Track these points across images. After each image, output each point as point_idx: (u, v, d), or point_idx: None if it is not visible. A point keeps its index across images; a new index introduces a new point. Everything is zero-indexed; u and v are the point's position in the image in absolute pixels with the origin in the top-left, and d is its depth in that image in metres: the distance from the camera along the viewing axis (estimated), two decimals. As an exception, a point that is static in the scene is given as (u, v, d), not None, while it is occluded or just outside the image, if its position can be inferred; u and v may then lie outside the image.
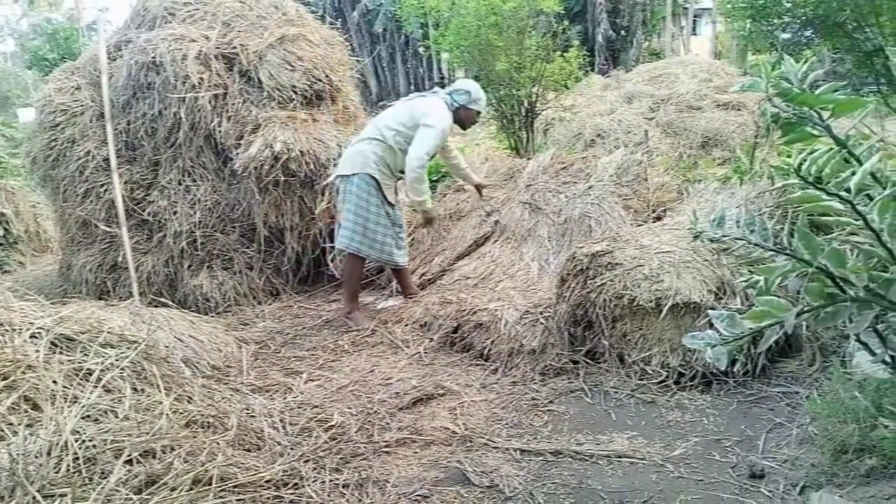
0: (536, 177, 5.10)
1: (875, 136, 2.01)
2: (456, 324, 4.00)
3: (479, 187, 5.11)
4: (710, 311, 1.86)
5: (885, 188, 1.69)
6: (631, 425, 2.97)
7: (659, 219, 4.62)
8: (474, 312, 3.95)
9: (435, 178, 6.80)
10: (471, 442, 2.87)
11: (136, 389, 2.65)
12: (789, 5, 7.23)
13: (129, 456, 2.19)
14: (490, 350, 3.73)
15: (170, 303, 4.71)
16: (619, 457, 2.69)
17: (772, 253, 1.75)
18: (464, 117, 4.49)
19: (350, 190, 4.35)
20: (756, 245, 1.75)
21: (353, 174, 4.34)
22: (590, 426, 2.99)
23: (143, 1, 5.78)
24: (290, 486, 2.46)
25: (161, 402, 2.59)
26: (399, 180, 4.54)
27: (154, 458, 2.24)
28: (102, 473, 2.11)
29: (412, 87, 24.41)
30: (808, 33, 7.76)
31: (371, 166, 4.32)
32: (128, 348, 2.80)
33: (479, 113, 4.58)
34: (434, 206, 4.68)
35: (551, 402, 3.24)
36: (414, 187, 4.34)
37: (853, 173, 1.64)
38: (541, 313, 3.77)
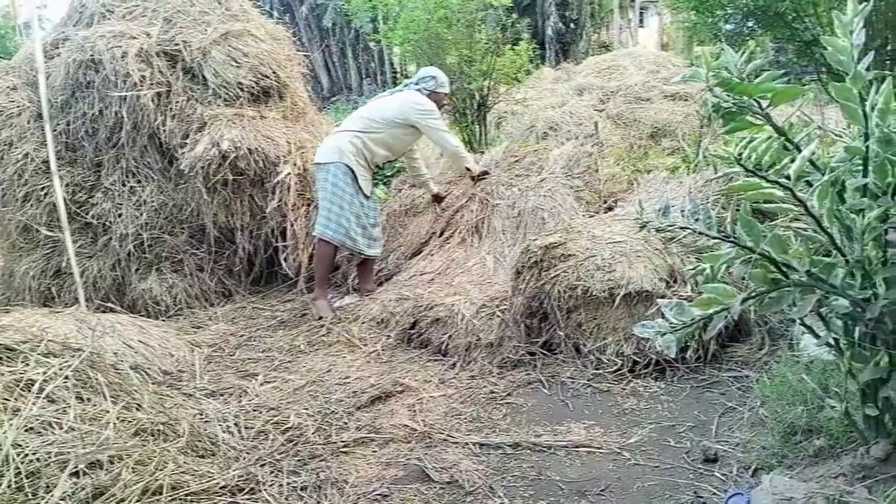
0: (491, 169, 5.10)
1: (813, 123, 2.06)
2: (413, 320, 3.98)
3: (437, 197, 5.13)
4: (659, 300, 1.89)
5: (823, 174, 1.74)
6: (588, 415, 3.00)
7: (610, 209, 4.68)
8: (431, 308, 3.94)
9: (389, 174, 6.77)
10: (430, 438, 2.86)
11: (81, 399, 2.56)
12: (731, -4, 7.38)
13: (74, 468, 2.11)
14: (448, 345, 3.73)
15: (118, 308, 4.59)
16: (577, 447, 2.71)
17: (717, 241, 1.78)
18: (434, 101, 4.64)
19: (326, 178, 4.42)
20: (701, 233, 1.77)
21: (330, 162, 4.41)
22: (548, 417, 3.01)
23: (81, -3, 5.58)
24: (245, 491, 2.42)
25: (108, 412, 2.51)
26: (376, 173, 4.77)
27: (101, 469, 2.17)
28: (47, 487, 2.03)
29: (364, 82, 24.23)
30: (750, 24, 7.91)
31: (348, 156, 4.40)
32: (72, 356, 2.70)
33: (447, 95, 4.88)
34: (476, 165, 4.99)
35: (509, 394, 3.26)
36: (462, 157, 4.82)
37: (792, 160, 1.68)
38: (497, 306, 3.77)
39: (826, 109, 6.60)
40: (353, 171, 4.41)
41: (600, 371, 3.32)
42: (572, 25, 23.79)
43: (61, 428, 2.30)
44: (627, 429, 2.83)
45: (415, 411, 3.10)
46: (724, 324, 1.85)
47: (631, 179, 5.25)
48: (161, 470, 2.24)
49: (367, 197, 4.54)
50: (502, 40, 7.80)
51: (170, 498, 2.14)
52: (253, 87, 5.12)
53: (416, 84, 4.68)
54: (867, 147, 1.70)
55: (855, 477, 1.98)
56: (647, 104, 9.52)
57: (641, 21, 27.09)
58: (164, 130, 5.02)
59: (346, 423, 3.03)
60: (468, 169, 4.91)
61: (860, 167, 1.73)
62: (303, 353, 3.99)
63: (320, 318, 4.38)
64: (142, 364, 3.62)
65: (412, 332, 3.95)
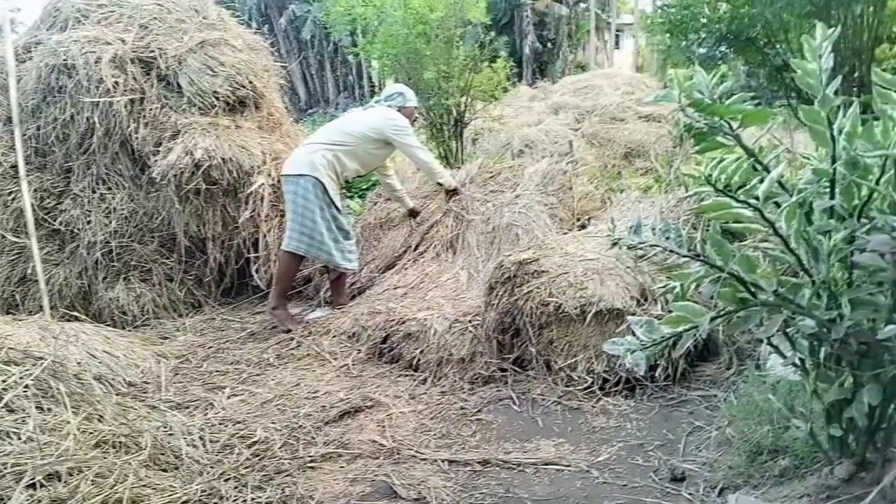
0: (465, 186, 5.11)
1: (782, 146, 2.10)
2: (385, 334, 3.95)
3: (412, 212, 5.11)
4: (629, 318, 1.89)
5: (791, 196, 1.76)
6: (558, 432, 2.99)
7: (583, 227, 4.71)
8: (403, 322, 3.91)
9: (365, 187, 6.75)
10: (398, 454, 2.82)
11: (41, 409, 2.50)
12: (704, 21, 7.53)
13: (31, 479, 2.06)
14: (419, 360, 3.71)
15: (83, 317, 4.49)
16: (546, 464, 2.70)
17: (687, 259, 1.79)
18: (407, 116, 4.65)
19: (296, 191, 4.34)
20: (671, 251, 1.79)
21: (300, 175, 4.34)
22: (517, 434, 3.00)
23: (55, 1, 5.51)
24: (208, 506, 2.37)
25: (68, 422, 2.45)
26: (343, 188, 4.71)
27: (59, 481, 2.11)
28: (1, 500, 1.97)
29: (341, 95, 24.23)
30: (722, 48, 8.09)
31: (319, 170, 4.34)
32: (33, 365, 2.64)
33: (416, 108, 4.87)
34: (451, 179, 4.97)
35: (480, 411, 3.24)
36: (436, 172, 4.81)
37: (761, 181, 1.70)
38: (470, 322, 3.76)
39: (795, 134, 6.74)
40: (323, 185, 4.35)
41: (571, 388, 3.32)
42: (549, 45, 24.16)
43: (19, 438, 2.24)
44: (596, 447, 2.82)
45: (384, 427, 3.07)
46: (693, 342, 1.86)
47: (604, 198, 5.30)
48: (121, 483, 2.18)
49: (338, 209, 4.50)
50: (480, 57, 7.88)
51: (129, 512, 2.09)
52: (229, 97, 5.09)
53: (385, 101, 4.68)
54: (834, 170, 1.73)
55: (819, 497, 1.99)
56: (621, 124, 9.66)
57: (617, 43, 27.54)
58: (137, 137, 4.96)
59: (313, 438, 2.98)
60: (441, 184, 4.92)
61: (827, 189, 1.76)
62: (272, 367, 3.93)
63: (288, 331, 4.32)
64: (105, 374, 3.55)
65: (383, 346, 3.92)
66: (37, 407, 2.45)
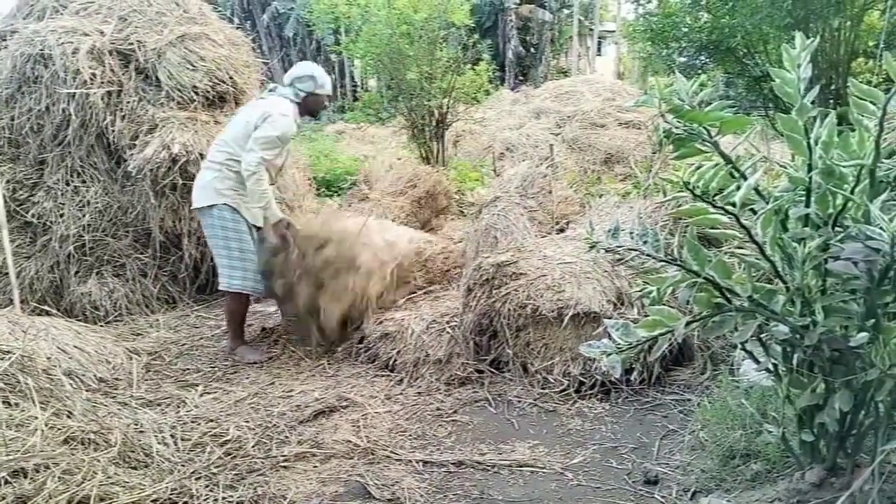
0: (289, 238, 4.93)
1: (759, 154, 2.13)
2: (361, 334, 3.93)
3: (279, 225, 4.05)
4: (605, 321, 1.90)
5: (768, 203, 1.78)
6: (533, 434, 2.99)
7: (562, 231, 4.72)
8: (380, 322, 3.90)
9: (346, 186, 6.73)
10: (373, 455, 2.81)
11: (8, 404, 2.45)
12: (686, 30, 7.62)
13: (-5, 477, 2.01)
14: (395, 360, 3.69)
15: (54, 311, 4.43)
16: (521, 466, 2.70)
17: (663, 264, 1.80)
18: (312, 104, 4.06)
19: (213, 224, 3.92)
20: (648, 255, 1.80)
21: (211, 206, 3.89)
22: (493, 436, 2.99)
23: (32, -11, 5.42)
24: (178, 505, 2.34)
25: (36, 418, 2.40)
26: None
27: (25, 478, 2.07)
28: (-37, 497, 1.93)
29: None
30: (703, 58, 8.20)
31: (224, 194, 3.87)
32: (0, 359, 2.58)
33: (329, 97, 4.18)
34: (280, 214, 3.97)
35: (455, 412, 3.23)
36: (251, 189, 3.78)
37: (738, 188, 1.72)
38: (447, 323, 3.75)
39: (772, 143, 6.83)
40: (234, 209, 3.90)
41: (547, 391, 3.32)
42: (532, 50, 24.27)
43: (-16, 434, 2.19)
44: (571, 449, 2.83)
45: (359, 427, 3.05)
46: (669, 346, 1.87)
47: (583, 202, 5.32)
48: (89, 480, 2.15)
49: (258, 228, 4.04)
50: (463, 60, 7.89)
51: (96, 510, 2.05)
52: (208, 92, 5.03)
53: (292, 85, 4.00)
54: (810, 178, 1.75)
55: (790, 501, 2.01)
56: (601, 130, 9.72)
57: (599, 50, 27.76)
58: (113, 130, 4.89)
59: (287, 438, 2.96)
60: (263, 209, 3.93)
61: (803, 197, 1.78)
62: (246, 365, 3.89)
63: (254, 362, 3.92)
64: (76, 370, 3.49)
65: (360, 346, 3.90)
66: (3, 402, 2.41)
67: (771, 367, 2.00)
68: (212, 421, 3.10)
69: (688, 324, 1.79)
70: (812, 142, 1.75)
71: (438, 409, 3.25)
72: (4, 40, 5.19)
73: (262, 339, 4.28)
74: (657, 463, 2.66)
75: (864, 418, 1.92)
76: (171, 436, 2.88)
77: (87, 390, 3.32)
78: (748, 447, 2.41)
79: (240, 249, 3.94)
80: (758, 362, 2.02)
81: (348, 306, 3.68)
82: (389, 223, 4.44)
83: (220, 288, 4.04)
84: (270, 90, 4.08)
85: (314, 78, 4.00)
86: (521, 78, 22.94)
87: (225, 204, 3.88)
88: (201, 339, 4.36)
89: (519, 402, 3.29)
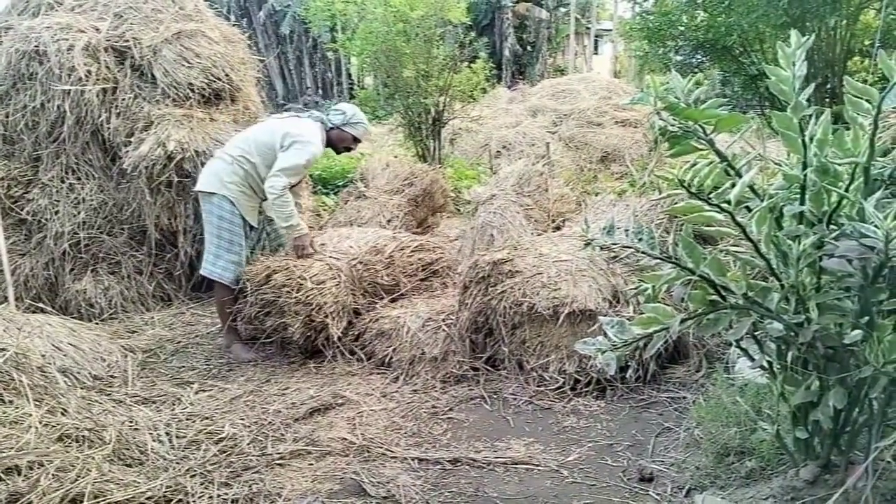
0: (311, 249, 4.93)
1: (754, 151, 2.13)
2: (357, 331, 3.93)
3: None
4: (600, 318, 1.90)
5: (762, 200, 1.78)
6: (528, 432, 3.00)
7: (558, 229, 4.73)
8: (376, 320, 3.90)
9: (341, 184, 6.72)
10: (368, 452, 2.81)
11: (2, 401, 2.45)
12: (682, 29, 7.63)
13: (-11, 474, 2.01)
14: (391, 358, 3.69)
15: (49, 309, 4.42)
16: (516, 464, 2.70)
17: (658, 261, 1.80)
18: (336, 139, 4.15)
19: (210, 210, 3.98)
20: (643, 253, 1.80)
21: (213, 193, 3.95)
22: (488, 433, 2.99)
23: (27, -14, 5.40)
24: (173, 502, 2.33)
25: (30, 415, 2.40)
26: (264, 201, 4.10)
27: (18, 475, 2.07)
28: (-43, 495, 1.92)
29: (320, 90, 24.11)
30: (699, 56, 8.21)
31: (228, 187, 3.93)
32: (-6, 357, 2.57)
33: (355, 139, 4.21)
34: (306, 229, 4.01)
35: (451, 409, 3.23)
36: (276, 210, 3.88)
37: (733, 185, 1.72)
38: (443, 320, 3.76)
39: (768, 142, 6.85)
40: (234, 204, 3.96)
41: (542, 388, 3.33)
42: (529, 48, 24.28)
43: (-23, 431, 2.19)
44: (566, 447, 2.83)
45: (354, 424, 3.05)
46: (664, 344, 1.88)
47: (579, 200, 5.33)
48: (83, 478, 2.14)
49: (253, 228, 4.12)
50: (460, 57, 7.87)
51: (90, 507, 2.04)
52: (204, 89, 5.01)
53: (326, 114, 4.17)
54: (805, 176, 1.75)
55: (784, 498, 2.02)
56: (598, 129, 9.71)
57: (596, 48, 27.76)
58: (109, 128, 4.88)
59: (282, 435, 2.96)
60: (289, 229, 3.98)
61: (798, 195, 1.78)
62: (242, 363, 3.89)
63: (250, 361, 3.92)
64: (71, 367, 3.49)
65: (356, 343, 3.90)
66: (-3, 399, 2.40)
67: (765, 364, 2.00)
68: (207, 418, 3.10)
69: (683, 321, 1.79)
70: (807, 139, 1.75)
71: (434, 406, 3.25)
72: (-1, 37, 5.17)
73: (257, 338, 4.27)
74: (652, 460, 2.67)
75: (858, 415, 1.92)
76: (166, 433, 2.88)
77: (81, 388, 3.31)
78: (743, 444, 2.42)
79: (229, 241, 4.00)
80: (752, 360, 2.03)
81: (306, 318, 3.70)
82: (356, 230, 4.46)
83: (201, 272, 4.14)
84: (309, 113, 4.23)
85: (345, 113, 4.14)
86: (517, 76, 22.94)
87: (225, 196, 3.95)
88: (196, 336, 4.35)
89: (514, 399, 3.29)
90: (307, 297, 3.67)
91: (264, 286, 3.78)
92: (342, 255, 3.99)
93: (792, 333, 1.80)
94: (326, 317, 3.73)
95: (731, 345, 2.92)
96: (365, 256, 4.04)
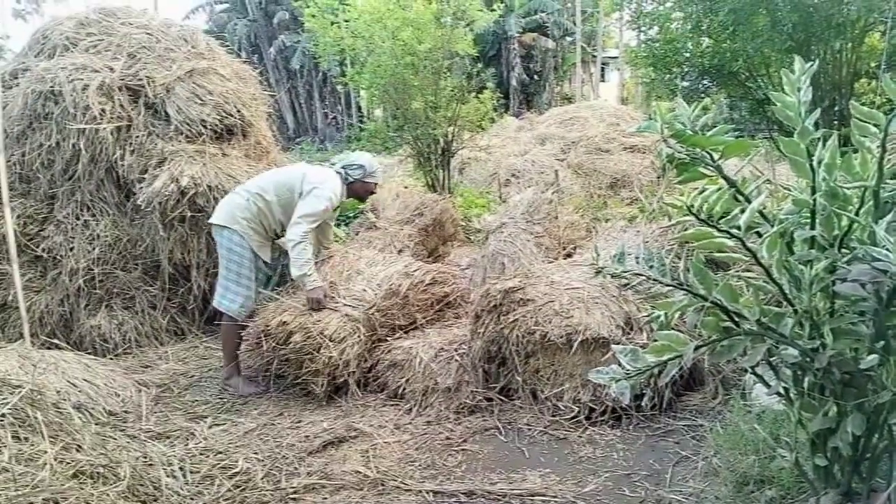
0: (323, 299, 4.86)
1: (763, 176, 2.14)
2: (370, 363, 3.92)
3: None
4: (613, 346, 1.89)
5: (773, 226, 1.78)
6: (544, 462, 2.97)
7: (569, 256, 4.73)
8: (388, 351, 3.89)
9: (352, 215, 6.75)
10: (383, 485, 2.79)
11: (17, 438, 2.45)
12: (687, 55, 7.68)
13: (4, 513, 2.01)
14: (404, 389, 3.68)
15: (64, 345, 4.45)
16: (532, 495, 2.67)
17: (671, 288, 1.80)
18: (360, 190, 4.29)
19: (222, 243, 4.04)
20: (655, 280, 1.79)
21: (224, 226, 4.01)
22: (503, 465, 2.97)
23: (43, 29, 5.53)
24: (187, 539, 2.32)
25: (45, 452, 2.40)
26: (276, 240, 4.20)
27: (34, 514, 2.06)
28: (-28, 534, 1.92)
29: (328, 127, 24.40)
30: (705, 82, 8.26)
31: (240, 223, 3.98)
32: (10, 393, 2.59)
33: (376, 184, 4.39)
34: (319, 282, 3.91)
35: (465, 441, 3.21)
36: (293, 258, 3.84)
37: (742, 211, 1.72)
38: (456, 350, 3.74)
39: (777, 166, 6.85)
40: (243, 238, 4.00)
41: (557, 418, 3.30)
42: (536, 77, 24.49)
43: (-7, 469, 2.19)
44: (583, 477, 2.80)
45: (368, 457, 3.03)
46: (678, 371, 1.86)
47: (590, 227, 5.34)
48: (98, 515, 2.13)
49: (266, 263, 4.15)
50: (467, 88, 7.96)
51: (105, 546, 2.04)
52: (216, 125, 5.09)
53: (343, 168, 4.20)
54: (814, 200, 1.75)
55: (805, 528, 1.98)
56: (606, 155, 9.73)
57: (603, 75, 27.97)
58: (123, 165, 4.95)
59: (296, 469, 2.94)
60: (302, 282, 3.89)
61: (808, 219, 1.78)
62: (255, 396, 3.89)
63: (250, 394, 3.94)
64: (85, 403, 3.50)
65: (368, 375, 3.89)
66: (13, 436, 2.40)
67: (782, 391, 1.98)
68: (220, 453, 3.09)
69: (696, 348, 1.78)
70: (815, 164, 1.76)
71: (448, 438, 3.23)
72: (16, 78, 5.29)
73: (266, 370, 4.26)
74: (670, 490, 2.63)
75: (878, 441, 1.89)
76: (180, 469, 2.87)
77: (96, 423, 3.31)
78: (762, 473, 2.38)
79: (237, 273, 4.04)
80: (768, 386, 2.00)
81: (329, 376, 3.70)
82: (364, 258, 4.35)
83: (213, 304, 4.20)
84: (332, 163, 4.35)
85: (363, 167, 4.21)
86: (525, 105, 23.13)
87: (235, 230, 4.00)
88: (210, 370, 4.36)
89: (529, 429, 3.27)
90: (329, 359, 3.66)
91: (283, 345, 3.77)
92: (357, 302, 3.93)
93: (807, 359, 1.78)
94: (349, 375, 3.72)
95: (746, 371, 2.89)
96: (382, 303, 3.97)
